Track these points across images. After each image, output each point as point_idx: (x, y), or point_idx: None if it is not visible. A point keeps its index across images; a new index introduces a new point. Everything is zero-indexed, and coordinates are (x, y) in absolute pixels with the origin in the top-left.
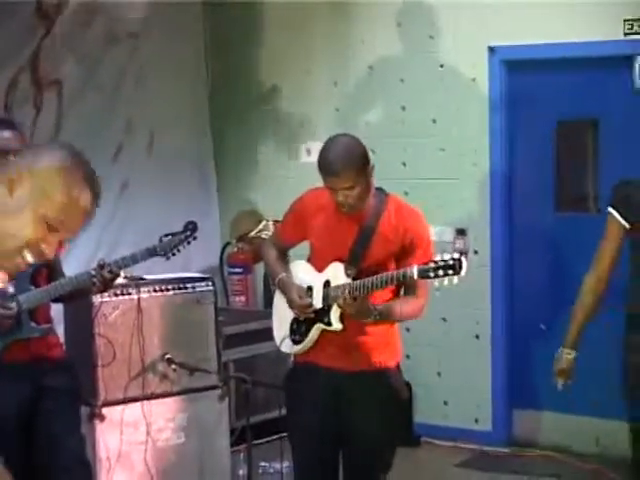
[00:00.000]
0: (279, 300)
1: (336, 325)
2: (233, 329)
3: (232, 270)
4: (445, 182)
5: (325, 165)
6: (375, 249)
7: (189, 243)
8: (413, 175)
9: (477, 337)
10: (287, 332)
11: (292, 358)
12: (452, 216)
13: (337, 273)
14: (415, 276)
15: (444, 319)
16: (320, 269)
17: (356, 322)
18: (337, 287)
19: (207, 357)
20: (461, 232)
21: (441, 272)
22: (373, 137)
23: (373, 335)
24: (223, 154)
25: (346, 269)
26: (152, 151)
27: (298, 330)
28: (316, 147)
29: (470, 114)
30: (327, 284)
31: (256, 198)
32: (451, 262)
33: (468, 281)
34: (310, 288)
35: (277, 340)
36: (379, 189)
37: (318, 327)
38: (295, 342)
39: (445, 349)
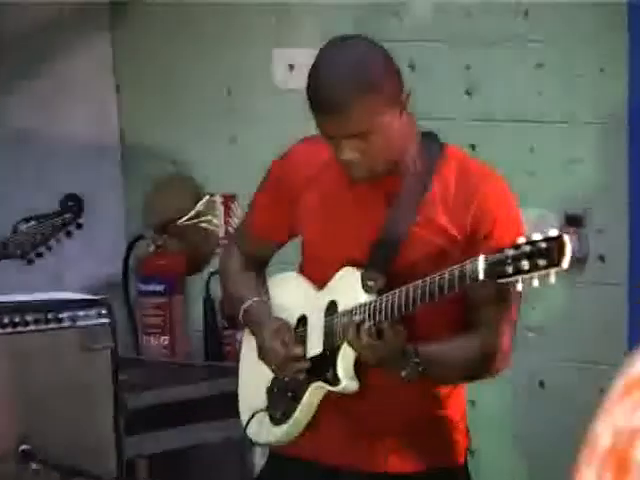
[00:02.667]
0: (248, 347)
1: (346, 382)
2: (146, 399)
3: (146, 288)
4: (545, 126)
5: (315, 94)
6: (416, 244)
7: (68, 235)
8: (483, 111)
9: None
10: (261, 404)
11: (267, 451)
12: (558, 192)
13: (350, 286)
14: (480, 274)
15: (541, 383)
16: (321, 283)
17: (383, 377)
18: (349, 312)
19: (97, 449)
20: (574, 221)
21: (525, 264)
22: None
23: (418, 404)
24: (127, 77)
25: (365, 279)
26: None
27: (280, 400)
28: (305, 58)
29: None
30: (332, 308)
31: (191, 155)
32: (543, 245)
33: (586, 306)
34: (303, 320)
35: (242, 418)
36: (428, 135)
37: (316, 389)
38: (275, 421)
39: (537, 433)
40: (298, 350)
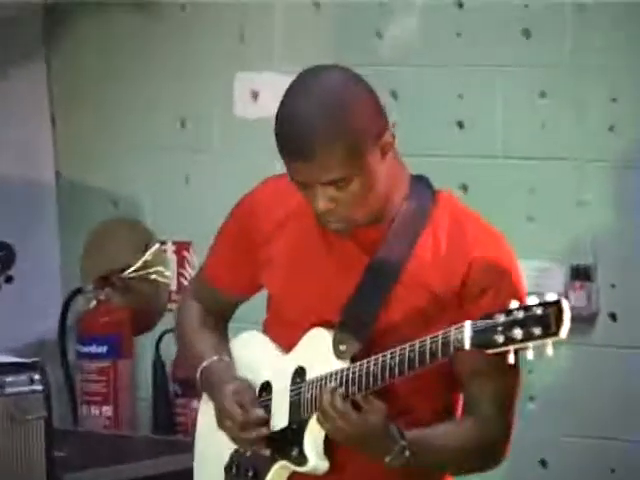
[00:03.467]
0: (205, 415)
1: (315, 462)
2: (85, 478)
3: (86, 349)
4: (548, 164)
5: (283, 137)
6: (397, 305)
7: None
8: (474, 148)
9: None
10: (214, 474)
11: None
12: (562, 241)
13: (320, 351)
14: (466, 343)
15: (542, 462)
16: (288, 345)
17: (362, 462)
18: (319, 379)
19: None
20: (581, 274)
21: (518, 332)
22: None
23: None
24: (64, 107)
25: (337, 341)
26: None
27: (238, 477)
28: (271, 84)
29: None
30: (300, 374)
31: (139, 196)
32: (539, 311)
33: (595, 372)
34: (266, 387)
35: None
36: (418, 180)
37: (279, 469)
38: None
39: None
40: (259, 413)
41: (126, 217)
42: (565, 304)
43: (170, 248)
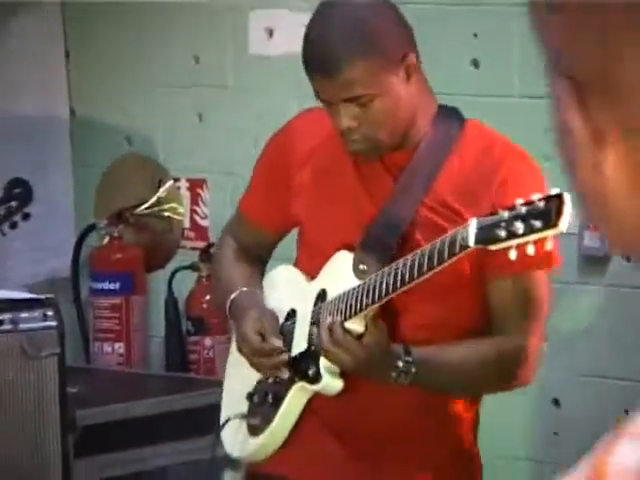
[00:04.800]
0: (235, 348)
1: (327, 379)
2: (98, 415)
3: (98, 286)
4: None
5: (308, 53)
6: (421, 227)
7: (13, 227)
8: (492, 85)
9: None
10: (240, 408)
11: (243, 469)
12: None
13: (341, 272)
14: (471, 240)
15: (555, 401)
16: (316, 273)
17: (376, 384)
18: (335, 299)
19: (41, 473)
20: None
21: (520, 226)
22: None
23: (417, 417)
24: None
25: (358, 261)
26: None
27: (260, 406)
28: (287, 22)
29: None
30: (321, 297)
31: (152, 133)
32: (541, 205)
33: (610, 313)
34: (292, 314)
35: (222, 422)
36: (447, 109)
37: (298, 390)
38: (252, 431)
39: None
40: (275, 342)
41: (140, 154)
42: (567, 197)
43: (184, 185)
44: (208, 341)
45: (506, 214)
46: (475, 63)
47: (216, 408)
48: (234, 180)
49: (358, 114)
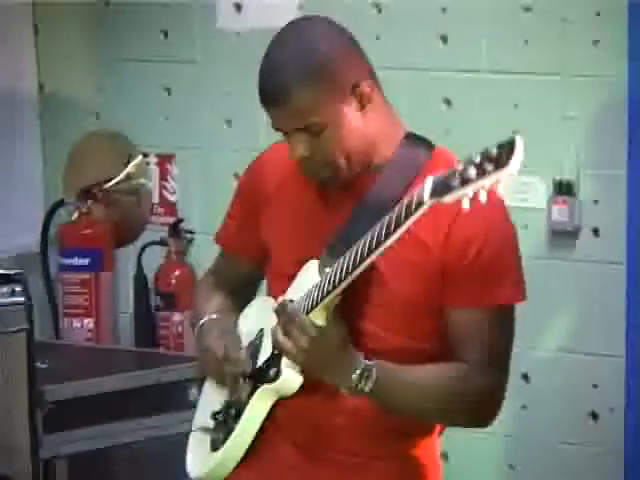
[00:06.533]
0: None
1: (287, 374)
2: (67, 391)
3: (67, 262)
4: (532, 79)
5: (260, 81)
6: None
7: None
8: (460, 60)
9: (594, 416)
10: (206, 423)
11: None
12: (546, 156)
13: (307, 280)
14: (426, 194)
15: (525, 376)
16: (283, 293)
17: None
18: (299, 300)
19: (9, 448)
20: (564, 189)
21: (472, 172)
22: None
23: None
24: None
25: (323, 265)
26: None
27: (223, 421)
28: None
29: None
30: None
31: (120, 108)
32: (494, 151)
33: (577, 287)
34: (260, 332)
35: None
36: (414, 137)
37: (260, 394)
38: (215, 444)
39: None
40: (238, 354)
41: (108, 129)
42: (519, 141)
43: (153, 160)
44: (177, 316)
45: (460, 165)
46: (444, 38)
47: (186, 384)
48: (203, 155)
49: (310, 143)
